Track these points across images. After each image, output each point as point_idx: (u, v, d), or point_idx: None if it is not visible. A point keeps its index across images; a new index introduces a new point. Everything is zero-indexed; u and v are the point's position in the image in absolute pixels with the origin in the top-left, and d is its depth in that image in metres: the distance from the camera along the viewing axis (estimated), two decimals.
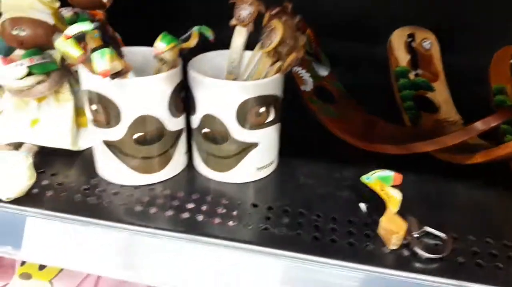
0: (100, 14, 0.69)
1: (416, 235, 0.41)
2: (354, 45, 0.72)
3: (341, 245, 0.41)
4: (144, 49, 0.51)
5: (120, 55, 0.41)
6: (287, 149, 0.53)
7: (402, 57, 0.68)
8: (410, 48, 0.68)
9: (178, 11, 0.77)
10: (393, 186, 0.47)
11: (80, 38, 0.38)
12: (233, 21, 0.50)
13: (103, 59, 0.37)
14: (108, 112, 0.44)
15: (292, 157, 0.54)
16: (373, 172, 0.49)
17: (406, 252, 0.41)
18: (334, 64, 0.68)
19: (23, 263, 0.65)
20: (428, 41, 0.68)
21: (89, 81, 0.43)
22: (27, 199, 0.45)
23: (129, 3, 0.71)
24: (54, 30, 0.50)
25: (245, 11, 0.49)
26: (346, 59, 0.67)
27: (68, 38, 0.36)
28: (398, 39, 0.68)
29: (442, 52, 0.67)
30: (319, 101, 0.62)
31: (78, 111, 0.54)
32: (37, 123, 0.53)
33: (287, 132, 0.51)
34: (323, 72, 0.66)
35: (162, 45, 0.40)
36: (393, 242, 0.40)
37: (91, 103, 0.44)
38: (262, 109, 0.46)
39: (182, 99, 0.48)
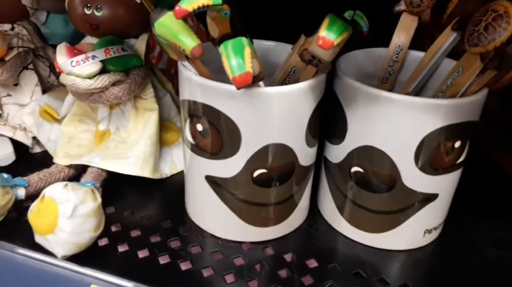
0: None
1: None
2: None
3: None
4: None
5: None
6: (456, 201, 0.35)
7: None
8: None
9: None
10: None
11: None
12: (401, 6, 0.34)
13: (240, 56, 0.22)
14: (221, 137, 0.28)
15: (463, 213, 0.36)
16: None
17: None
18: None
19: None
20: None
21: (195, 87, 0.28)
22: (92, 256, 0.30)
23: None
24: (140, 10, 0.35)
25: None
26: None
27: (182, 16, 0.21)
28: None
29: None
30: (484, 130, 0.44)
31: (163, 124, 0.39)
32: (107, 139, 0.39)
33: None
34: None
35: (331, 35, 0.24)
36: None
37: (194, 121, 0.29)
38: (458, 144, 0.29)
39: (320, 119, 0.32)
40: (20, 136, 0.40)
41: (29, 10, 0.40)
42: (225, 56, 0.22)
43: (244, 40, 0.22)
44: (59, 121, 0.41)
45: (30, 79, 0.42)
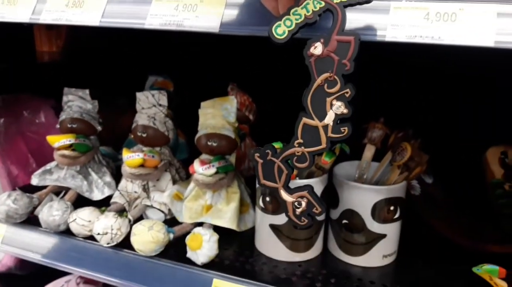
0: (246, 128, 0.91)
1: None
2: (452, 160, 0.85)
3: None
4: None
5: None
6: (406, 242, 0.65)
7: (497, 171, 0.79)
8: (503, 164, 0.80)
9: None
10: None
11: None
12: (365, 140, 0.67)
13: None
14: (278, 202, 0.60)
15: (410, 250, 0.66)
16: (481, 265, 0.59)
17: None
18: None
19: None
20: None
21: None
22: (213, 264, 0.61)
23: None
24: (234, 142, 0.70)
25: (375, 133, 0.66)
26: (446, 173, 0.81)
27: None
28: (492, 155, 0.81)
29: None
30: (425, 205, 0.75)
31: (241, 201, 0.72)
32: (211, 209, 0.71)
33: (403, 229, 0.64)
34: (428, 180, 0.79)
35: (327, 159, 0.57)
36: None
37: (264, 196, 0.62)
38: (392, 208, 0.60)
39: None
40: (162, 208, 0.73)
41: (170, 139, 0.76)
42: None
43: None
44: (183, 200, 0.73)
45: (166, 176, 0.76)
